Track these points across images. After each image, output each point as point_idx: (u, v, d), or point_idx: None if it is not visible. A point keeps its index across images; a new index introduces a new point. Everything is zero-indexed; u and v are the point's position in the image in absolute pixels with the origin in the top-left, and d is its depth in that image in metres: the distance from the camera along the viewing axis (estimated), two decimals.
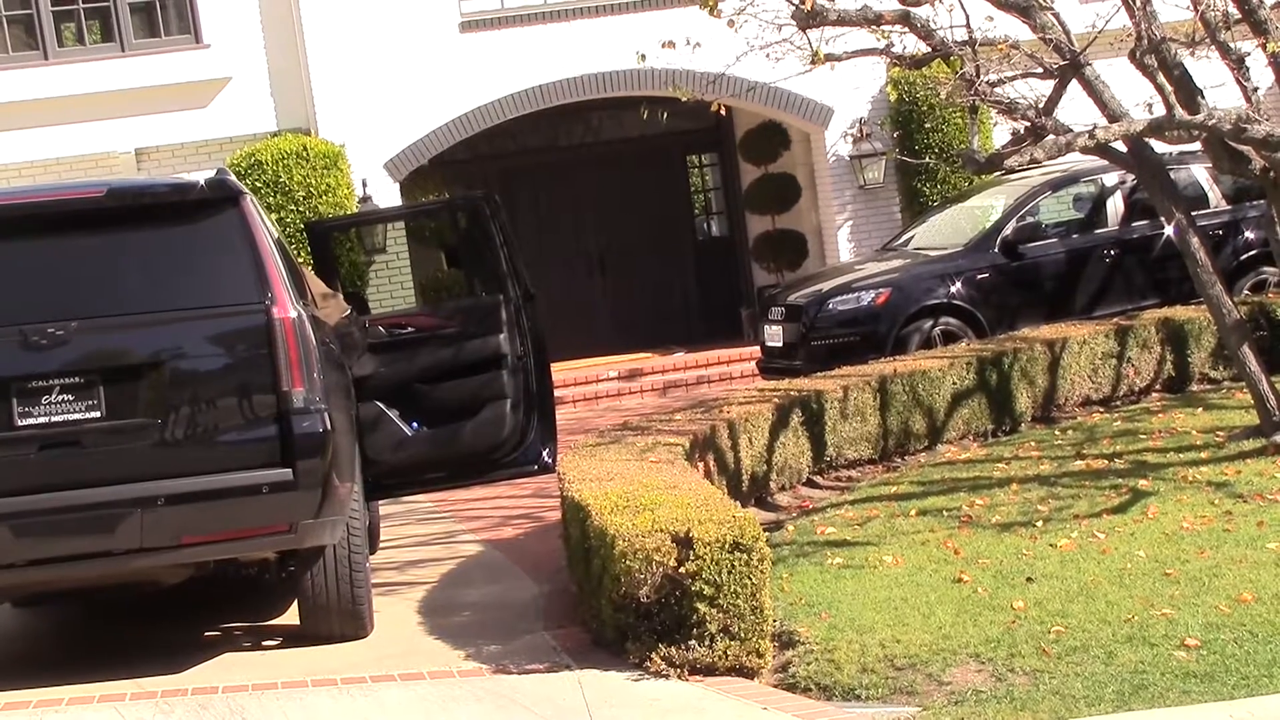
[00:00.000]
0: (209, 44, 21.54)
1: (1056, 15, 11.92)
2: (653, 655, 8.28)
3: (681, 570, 8.22)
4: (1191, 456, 11.94)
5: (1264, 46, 11.71)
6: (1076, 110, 12.87)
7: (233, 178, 9.24)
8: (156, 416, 8.73)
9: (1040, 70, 12.28)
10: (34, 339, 8.64)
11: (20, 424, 8.62)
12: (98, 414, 8.68)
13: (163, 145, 21.60)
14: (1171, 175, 13.41)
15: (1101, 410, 14.63)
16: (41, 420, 8.63)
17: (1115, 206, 17.49)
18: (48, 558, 8.68)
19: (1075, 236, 17.52)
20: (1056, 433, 13.82)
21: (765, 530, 8.71)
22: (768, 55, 12.59)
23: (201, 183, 9.09)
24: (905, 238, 19.25)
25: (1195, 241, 12.45)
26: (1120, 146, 12.57)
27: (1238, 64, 11.94)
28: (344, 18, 21.56)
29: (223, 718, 8.10)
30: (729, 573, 8.19)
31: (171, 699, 8.43)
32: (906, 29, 12.35)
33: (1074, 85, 12.20)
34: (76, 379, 8.67)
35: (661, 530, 8.34)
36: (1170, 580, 8.89)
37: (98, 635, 10.84)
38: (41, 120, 21.04)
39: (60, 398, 8.65)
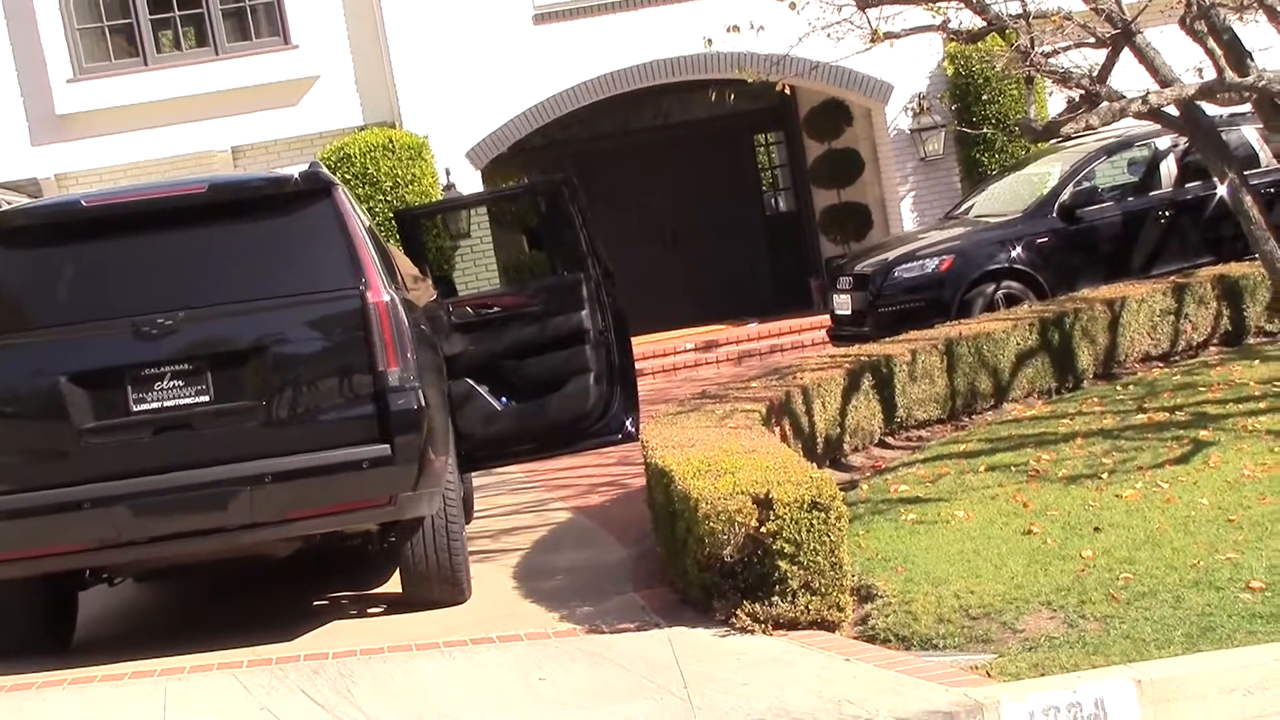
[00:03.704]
0: (297, 44, 21.95)
1: None
2: (738, 612, 8.42)
3: (763, 530, 8.33)
4: (1250, 406, 11.98)
5: None
6: (1129, 77, 13.03)
7: (325, 170, 9.43)
8: (261, 399, 8.94)
9: (1093, 40, 12.36)
10: (145, 329, 8.87)
11: (136, 409, 8.85)
12: (207, 398, 8.89)
13: (257, 143, 22.08)
14: (1223, 136, 13.53)
15: (1161, 365, 14.66)
16: (155, 405, 8.86)
17: (1168, 169, 17.50)
18: (166, 534, 8.92)
19: (1130, 199, 17.53)
20: (1118, 388, 13.82)
21: (841, 490, 8.74)
22: (829, 35, 12.72)
23: (296, 176, 9.33)
24: (966, 206, 19.33)
25: (1248, 200, 12.60)
26: (1173, 111, 12.69)
27: None
28: (424, 15, 21.98)
29: (334, 681, 8.26)
30: (808, 531, 8.28)
31: (285, 665, 8.62)
32: (962, 5, 12.49)
33: (1126, 53, 12.32)
34: (186, 365, 8.89)
35: (742, 492, 8.45)
36: (1233, 526, 9.00)
37: (214, 607, 11.10)
38: (144, 123, 21.60)
39: (171, 384, 8.87)
